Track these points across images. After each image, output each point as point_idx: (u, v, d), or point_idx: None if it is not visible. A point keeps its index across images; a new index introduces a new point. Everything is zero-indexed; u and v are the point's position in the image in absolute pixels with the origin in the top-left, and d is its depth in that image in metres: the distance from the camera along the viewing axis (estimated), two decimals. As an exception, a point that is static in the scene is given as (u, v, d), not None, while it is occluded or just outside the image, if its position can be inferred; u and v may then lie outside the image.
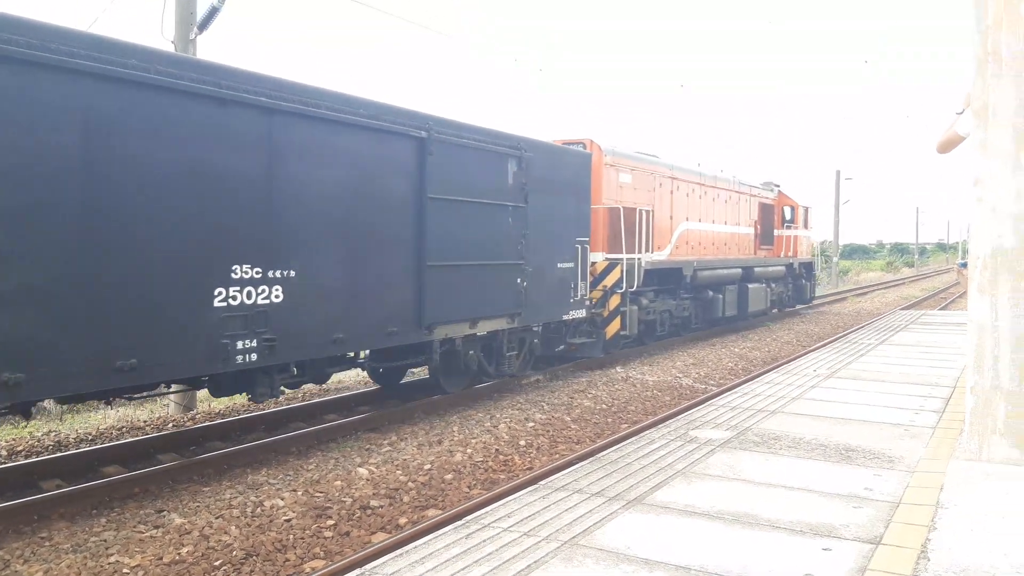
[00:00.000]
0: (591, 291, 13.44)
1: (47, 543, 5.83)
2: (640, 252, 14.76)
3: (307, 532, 6.18)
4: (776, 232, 23.96)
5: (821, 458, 5.71)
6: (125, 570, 5.38)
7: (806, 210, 25.69)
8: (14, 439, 8.48)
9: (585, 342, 13.69)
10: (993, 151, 5.35)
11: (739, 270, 20.00)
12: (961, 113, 5.85)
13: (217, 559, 5.62)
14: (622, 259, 14.23)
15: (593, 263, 13.63)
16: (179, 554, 5.66)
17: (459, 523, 4.31)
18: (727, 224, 20.24)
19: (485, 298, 10.38)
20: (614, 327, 14.16)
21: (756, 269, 21.31)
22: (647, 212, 15.26)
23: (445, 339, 9.86)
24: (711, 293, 18.67)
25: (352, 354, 9.33)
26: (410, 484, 7.39)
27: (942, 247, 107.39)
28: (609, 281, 14.06)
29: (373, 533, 6.27)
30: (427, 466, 7.93)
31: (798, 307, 26.85)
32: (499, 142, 10.63)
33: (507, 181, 10.77)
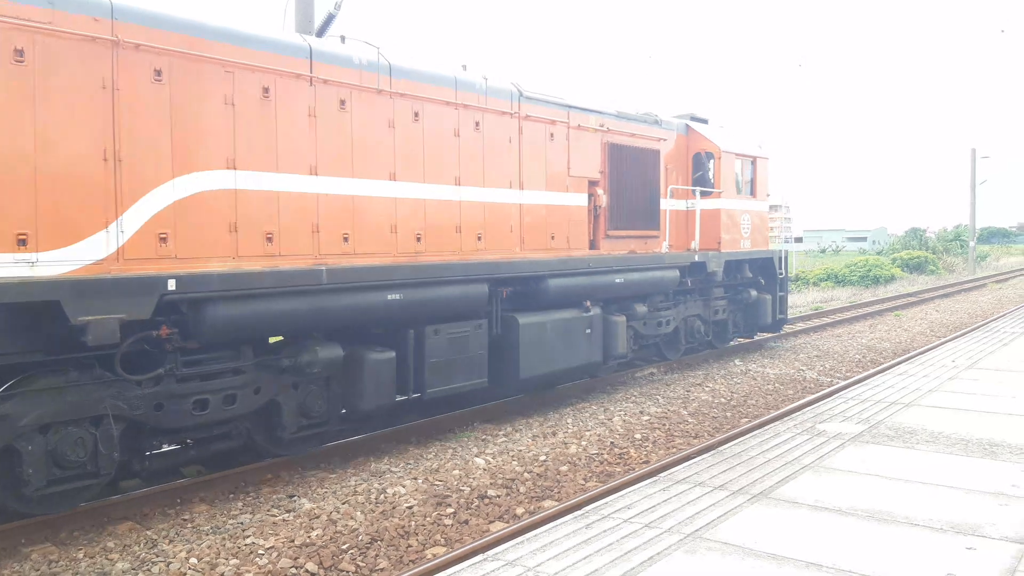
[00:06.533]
0: None
1: (189, 525, 6.22)
2: None
3: (428, 519, 6.33)
4: (664, 204, 12.26)
5: (962, 453, 5.36)
6: (260, 551, 5.67)
7: (752, 163, 13.98)
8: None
9: None
10: None
11: (457, 288, 8.58)
12: None
13: (344, 543, 5.84)
14: None
15: None
16: (309, 537, 5.92)
17: (578, 513, 4.31)
18: (444, 182, 8.71)
19: None
20: None
21: (552, 282, 9.73)
22: None
23: None
24: (318, 352, 7.25)
25: None
26: (526, 475, 7.44)
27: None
28: None
29: (491, 522, 6.35)
30: (542, 457, 7.96)
31: (759, 337, 15.23)
32: None
33: None
